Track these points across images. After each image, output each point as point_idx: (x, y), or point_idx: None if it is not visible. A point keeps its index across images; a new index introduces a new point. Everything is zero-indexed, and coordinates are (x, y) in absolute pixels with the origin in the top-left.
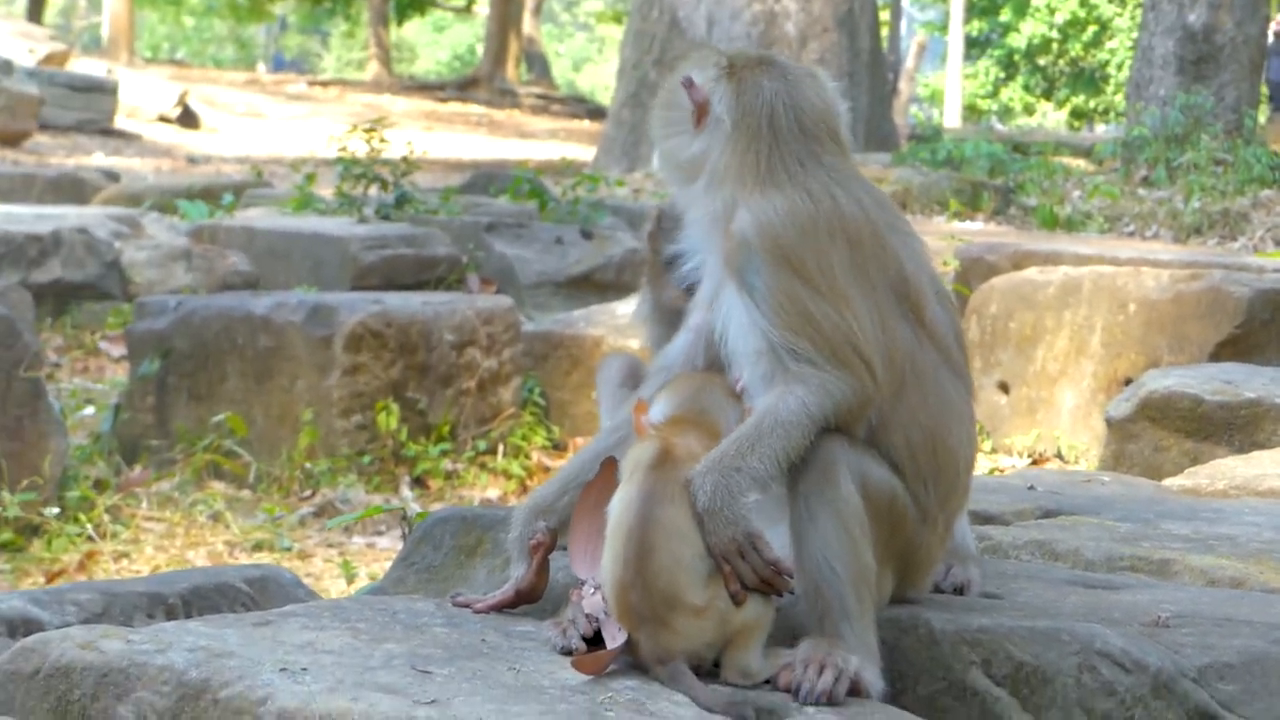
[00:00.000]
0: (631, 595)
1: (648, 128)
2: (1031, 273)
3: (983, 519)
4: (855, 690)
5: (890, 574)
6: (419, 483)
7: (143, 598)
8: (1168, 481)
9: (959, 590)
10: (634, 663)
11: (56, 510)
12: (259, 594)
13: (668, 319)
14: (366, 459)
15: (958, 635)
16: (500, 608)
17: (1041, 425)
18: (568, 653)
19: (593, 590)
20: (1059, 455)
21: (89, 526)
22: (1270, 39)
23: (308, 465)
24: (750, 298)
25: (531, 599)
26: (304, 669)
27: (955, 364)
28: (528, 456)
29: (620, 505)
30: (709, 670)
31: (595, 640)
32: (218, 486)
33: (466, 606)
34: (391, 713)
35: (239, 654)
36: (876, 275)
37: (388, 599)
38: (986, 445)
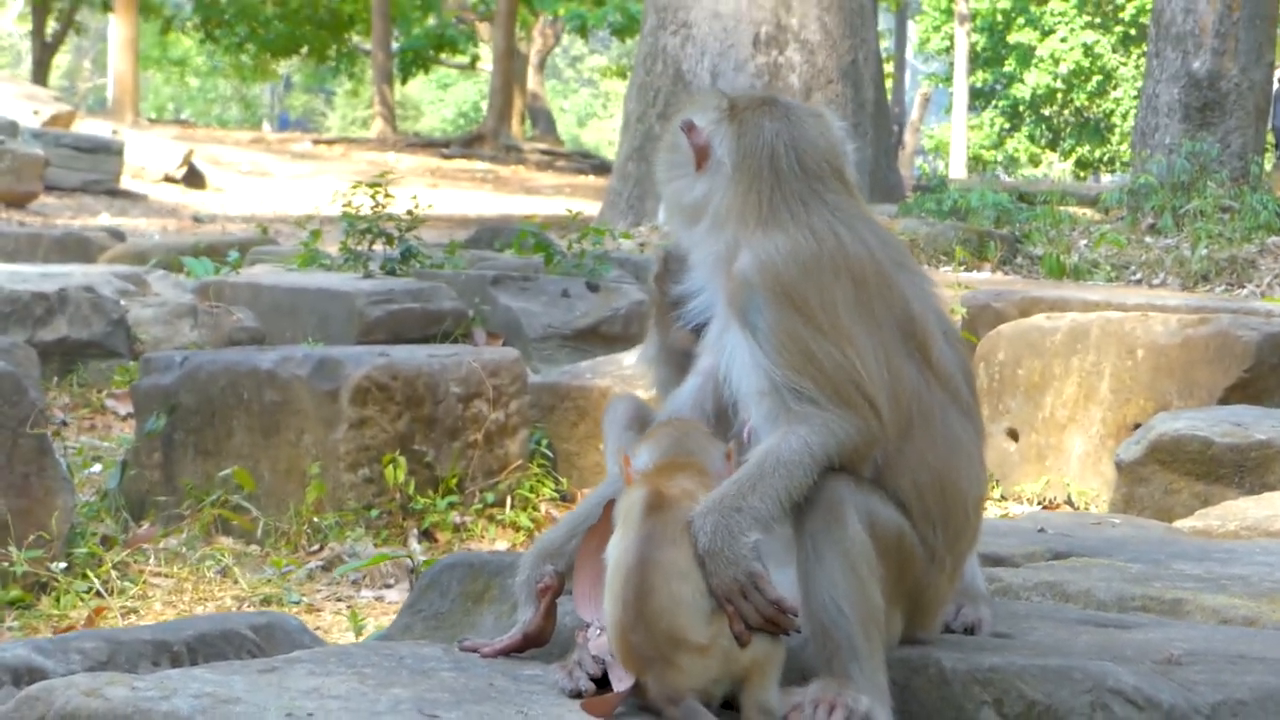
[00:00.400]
0: (633, 637)
1: (653, 177)
2: (1039, 319)
3: (993, 561)
4: None
5: (899, 614)
6: (427, 535)
7: (148, 645)
8: (1179, 523)
9: (969, 630)
10: (644, 705)
11: (64, 566)
12: (265, 641)
13: (674, 361)
14: (374, 512)
15: (969, 674)
16: (508, 652)
17: (1051, 472)
18: (576, 695)
19: (599, 632)
20: (1069, 502)
21: (97, 582)
22: (1276, 86)
23: (315, 519)
24: (753, 337)
25: (539, 643)
26: (310, 714)
27: (963, 403)
28: (536, 508)
29: (618, 549)
30: (719, 710)
31: (603, 682)
32: (225, 541)
33: (474, 651)
34: None
35: (245, 700)
36: (882, 314)
37: (394, 644)
38: (996, 493)
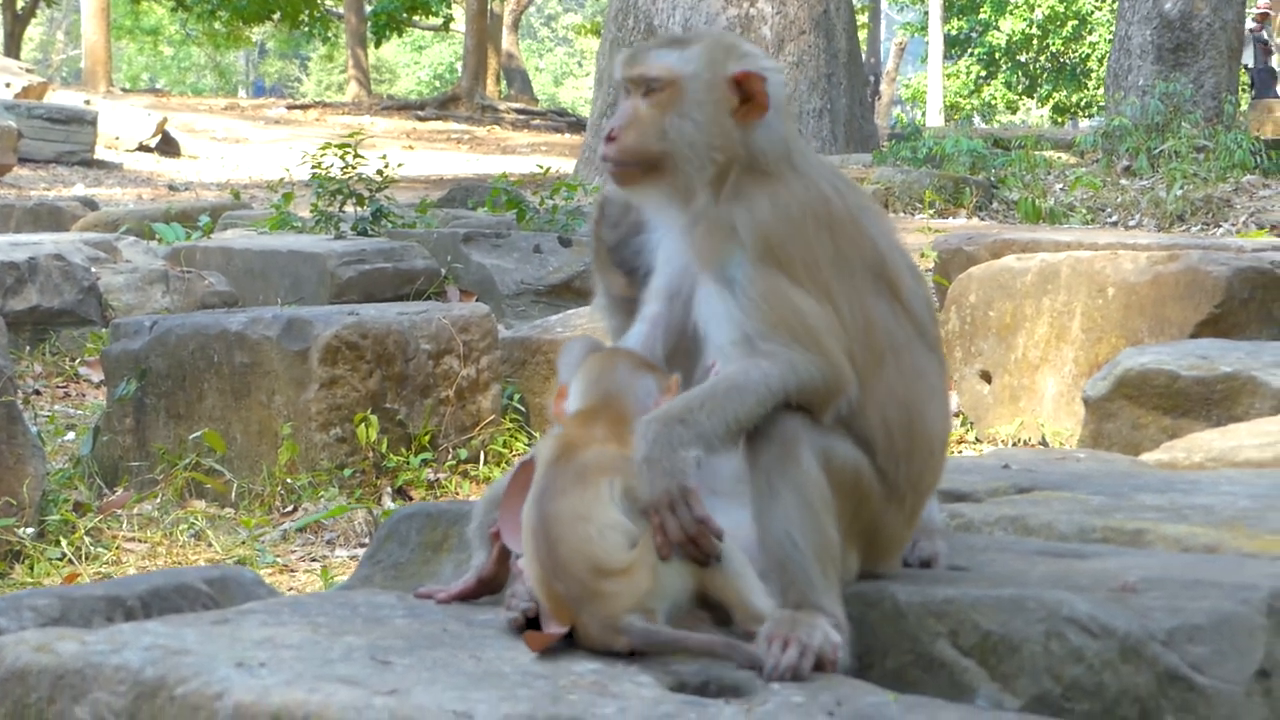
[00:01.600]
0: (557, 586)
1: None
2: (1009, 260)
3: (955, 497)
4: (821, 665)
5: (855, 551)
6: (401, 493)
7: (101, 601)
8: (1144, 456)
9: (926, 564)
10: (591, 648)
11: (36, 533)
12: (220, 594)
13: (622, 308)
14: (347, 472)
15: (923, 607)
16: (463, 598)
17: (1025, 413)
18: (521, 625)
19: None
20: (1043, 442)
21: (70, 550)
22: (1249, 26)
23: (288, 480)
24: (730, 291)
25: (494, 588)
26: (262, 664)
27: (930, 338)
28: (509, 464)
29: (526, 507)
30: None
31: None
32: (199, 505)
33: (429, 598)
34: (350, 703)
35: (196, 651)
36: (855, 258)
37: (349, 593)
38: (971, 435)
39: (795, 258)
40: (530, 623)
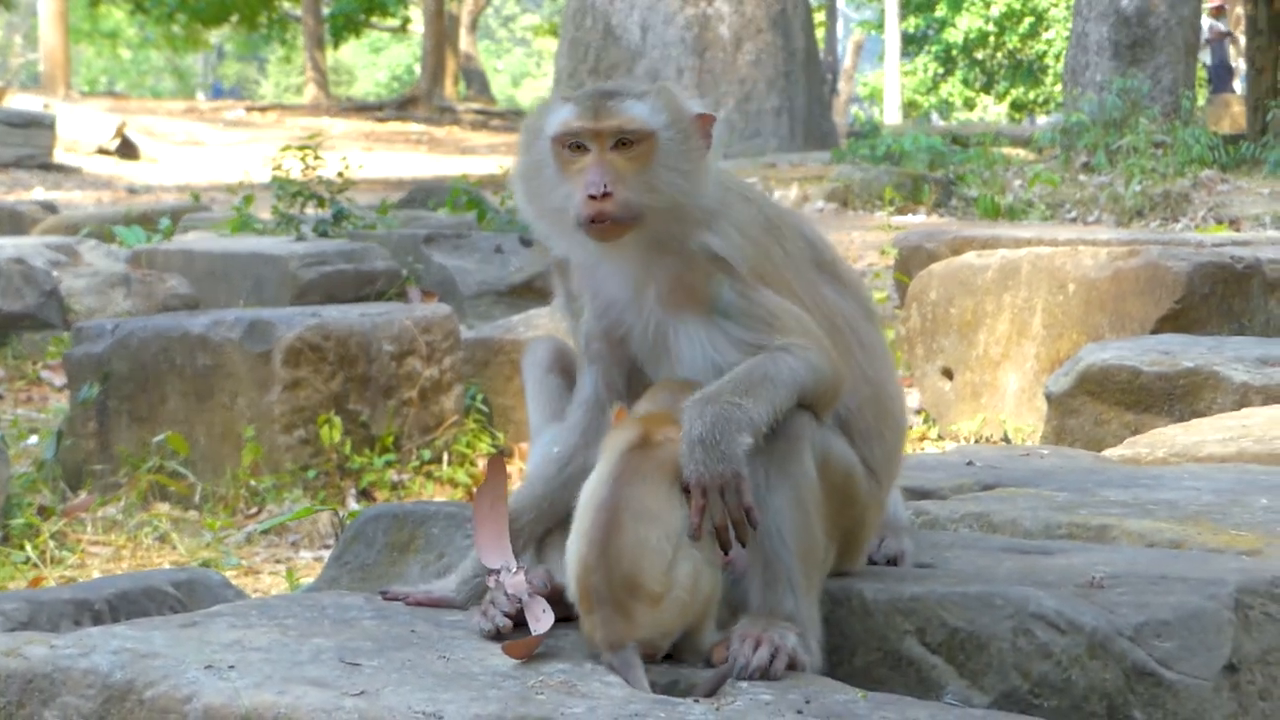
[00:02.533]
0: (594, 577)
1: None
2: (969, 257)
3: (920, 494)
4: (792, 665)
5: (832, 549)
6: (365, 495)
7: (69, 605)
8: (1107, 452)
9: (892, 561)
10: (586, 644)
11: (0, 537)
12: (187, 596)
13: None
14: (311, 473)
15: (891, 605)
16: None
17: (987, 409)
18: (495, 636)
19: (511, 572)
20: (1005, 438)
21: (34, 553)
22: (1205, 32)
23: (252, 482)
24: (725, 319)
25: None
26: (231, 666)
27: (873, 314)
28: (473, 464)
29: (591, 485)
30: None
31: (521, 622)
32: (163, 508)
33: (398, 600)
34: (319, 705)
35: (164, 654)
36: (799, 255)
37: (316, 595)
38: (933, 432)
39: (769, 272)
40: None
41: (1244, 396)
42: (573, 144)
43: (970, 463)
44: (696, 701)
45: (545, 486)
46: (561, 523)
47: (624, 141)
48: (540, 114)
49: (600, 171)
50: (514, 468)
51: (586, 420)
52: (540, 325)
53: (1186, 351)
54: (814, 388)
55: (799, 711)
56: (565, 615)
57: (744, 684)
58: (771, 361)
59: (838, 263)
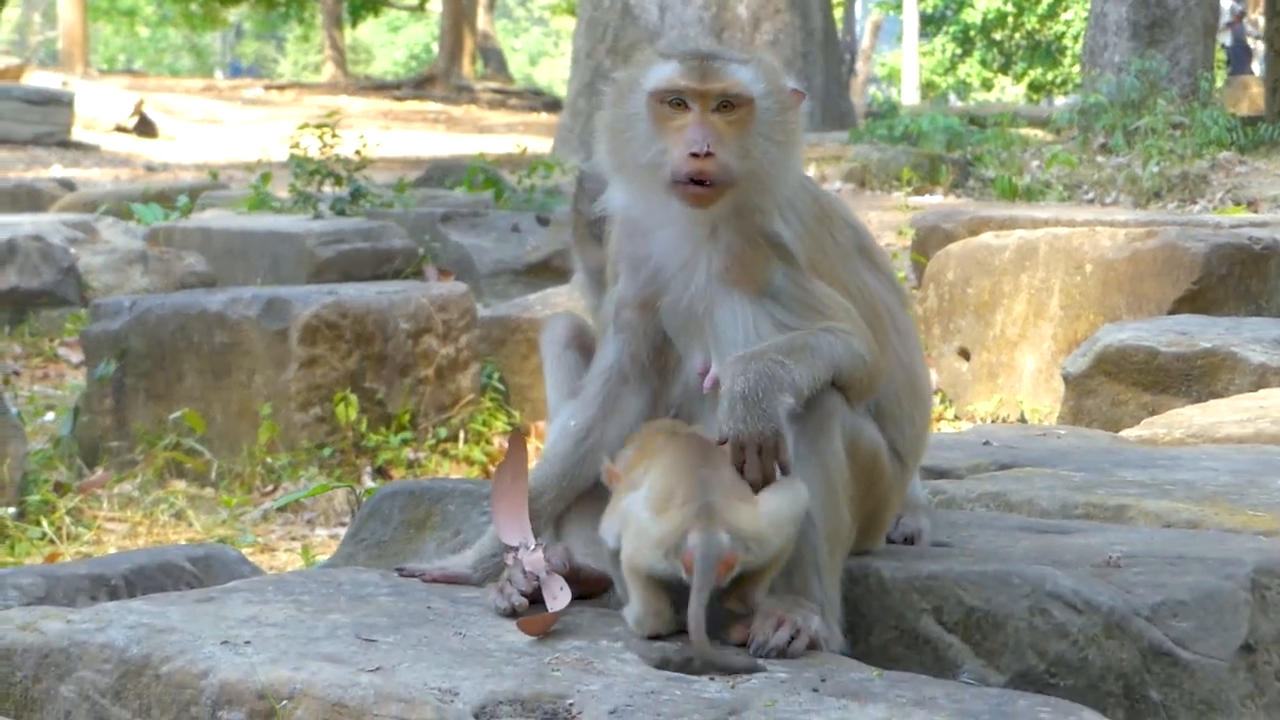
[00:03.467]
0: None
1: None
2: (987, 237)
3: (937, 474)
4: (812, 646)
5: (855, 529)
6: (381, 473)
7: (85, 580)
8: (1125, 433)
9: (909, 540)
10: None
11: (15, 512)
12: (203, 572)
13: (602, 282)
14: (327, 451)
15: (907, 583)
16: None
17: (1003, 390)
18: (511, 614)
19: (530, 548)
20: (1022, 419)
21: (50, 529)
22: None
23: (268, 460)
24: (775, 303)
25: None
26: (247, 642)
27: (904, 297)
28: (489, 442)
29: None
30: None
31: (537, 600)
32: (179, 485)
33: (414, 577)
34: (335, 681)
35: (181, 629)
36: (845, 241)
37: (333, 571)
38: (950, 413)
39: (821, 262)
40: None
41: (1262, 377)
42: (673, 101)
43: (987, 443)
44: (711, 679)
45: (563, 464)
46: (579, 499)
47: (726, 104)
48: (638, 67)
49: (704, 131)
50: (532, 446)
51: (605, 392)
52: (557, 304)
53: (1204, 332)
54: (851, 371)
55: (814, 690)
56: (582, 593)
57: (760, 661)
58: (814, 335)
59: (874, 248)
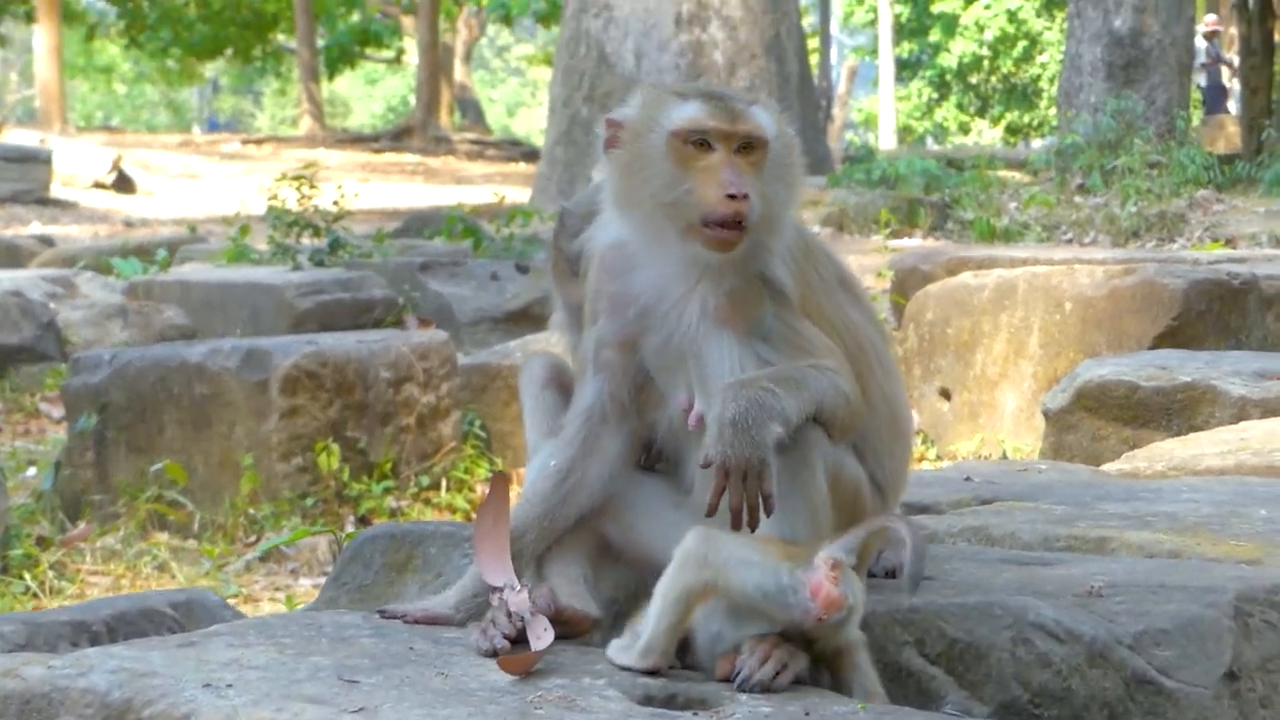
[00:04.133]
0: None
1: (585, 163)
2: (966, 277)
3: (918, 509)
4: (798, 681)
5: None
6: (363, 522)
7: (66, 626)
8: (1106, 466)
9: (891, 574)
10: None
11: None
12: (185, 617)
13: (580, 321)
14: (310, 501)
15: (889, 616)
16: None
17: (985, 429)
18: (493, 654)
19: (515, 589)
20: (1004, 458)
21: (34, 583)
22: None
23: (250, 510)
24: (762, 341)
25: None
26: (229, 685)
27: (886, 333)
28: (472, 490)
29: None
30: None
31: (520, 640)
32: (162, 537)
33: (396, 618)
34: None
35: (162, 674)
36: (829, 276)
37: (314, 614)
38: (931, 453)
39: (808, 298)
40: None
41: (1242, 410)
42: (698, 141)
43: (968, 478)
44: (695, 715)
45: (544, 504)
46: (561, 539)
47: (746, 146)
48: (653, 107)
49: (734, 173)
50: (514, 491)
51: (586, 431)
52: (538, 350)
53: (1184, 366)
54: (834, 408)
55: None
56: (565, 634)
57: (743, 696)
58: (801, 370)
59: (854, 281)
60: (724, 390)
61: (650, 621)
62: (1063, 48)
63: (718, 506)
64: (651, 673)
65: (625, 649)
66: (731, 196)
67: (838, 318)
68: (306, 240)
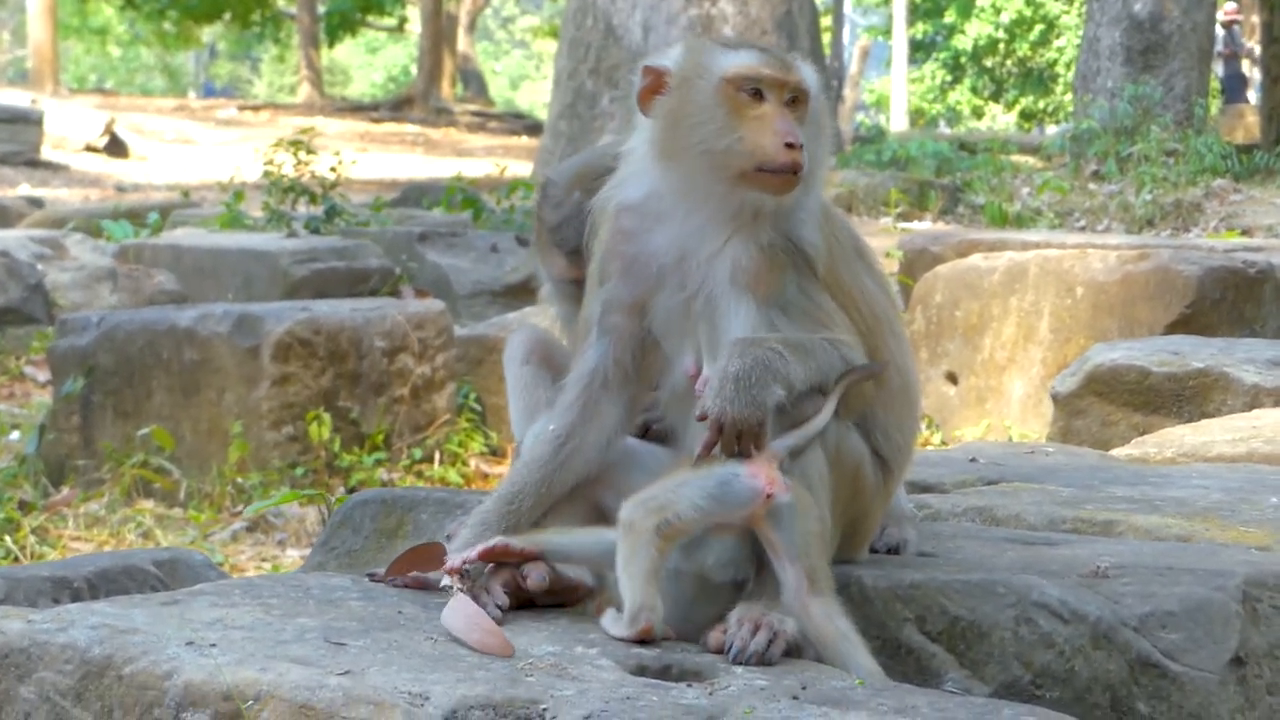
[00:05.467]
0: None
1: (587, 135)
2: (976, 259)
3: (922, 488)
4: (790, 651)
5: (837, 536)
6: (354, 493)
7: (47, 582)
8: (1114, 451)
9: (894, 550)
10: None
11: None
12: (168, 576)
13: (567, 292)
14: (299, 471)
15: (890, 591)
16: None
17: (991, 415)
18: None
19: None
20: (1011, 442)
21: (15, 548)
22: (1219, 44)
23: (239, 479)
24: (780, 311)
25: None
26: (212, 644)
27: (896, 300)
28: (465, 463)
29: None
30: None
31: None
32: (147, 504)
33: (386, 582)
34: (302, 683)
35: (144, 631)
36: (847, 245)
37: (301, 576)
38: (936, 438)
39: (831, 267)
40: None
41: (1255, 398)
42: (751, 89)
43: (974, 459)
44: (689, 686)
45: (542, 469)
46: (557, 505)
47: (794, 99)
48: (701, 54)
49: (788, 122)
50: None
51: (586, 397)
52: (523, 325)
53: (1196, 352)
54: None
55: (794, 697)
56: (559, 601)
57: (738, 669)
58: (815, 341)
59: (868, 249)
60: (732, 345)
61: (625, 589)
62: (1080, 32)
63: (706, 458)
64: (646, 640)
65: (616, 620)
66: (789, 145)
67: (854, 286)
68: (302, 207)
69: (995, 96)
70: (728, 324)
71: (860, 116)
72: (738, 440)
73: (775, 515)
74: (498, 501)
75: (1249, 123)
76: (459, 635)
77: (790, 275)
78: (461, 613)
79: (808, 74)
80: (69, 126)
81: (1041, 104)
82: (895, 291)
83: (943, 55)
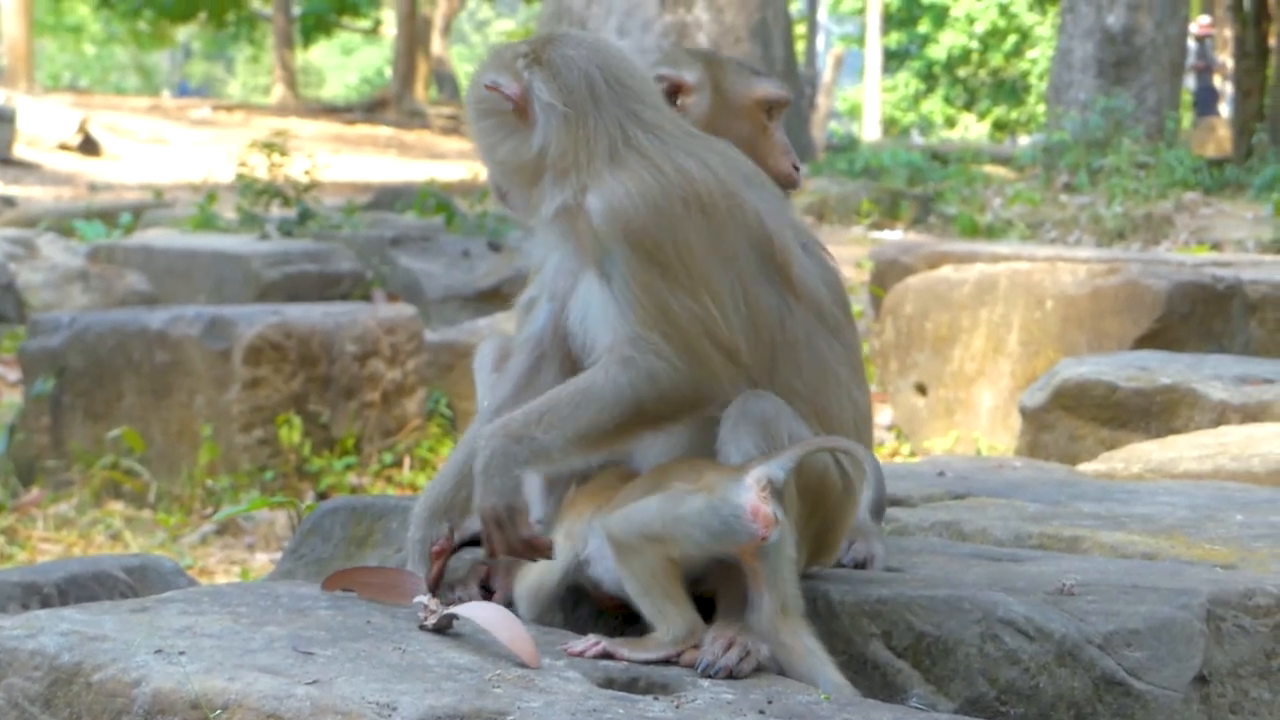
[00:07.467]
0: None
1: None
2: (946, 271)
3: (890, 502)
4: (760, 668)
5: (803, 551)
6: (323, 498)
7: (16, 588)
8: (1082, 466)
9: (861, 565)
10: None
11: None
12: (138, 582)
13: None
14: (269, 474)
15: (856, 607)
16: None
17: (960, 427)
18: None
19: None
20: (978, 455)
21: None
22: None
23: (208, 482)
24: (609, 288)
25: None
26: (181, 652)
27: (830, 321)
28: (435, 469)
29: None
30: None
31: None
32: (117, 506)
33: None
34: (271, 692)
35: (114, 638)
36: (736, 240)
37: (270, 584)
38: (905, 449)
39: (667, 250)
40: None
41: (1222, 415)
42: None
43: (941, 473)
44: (655, 699)
45: (464, 448)
46: None
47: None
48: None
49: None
50: None
51: (525, 365)
52: (506, 330)
53: (1165, 368)
54: (655, 403)
55: (760, 711)
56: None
57: (705, 682)
58: (590, 381)
59: (792, 261)
60: (480, 437)
61: (655, 618)
62: (1054, 43)
63: (493, 556)
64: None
65: (641, 647)
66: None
67: (731, 292)
68: (275, 210)
69: (968, 106)
70: (589, 308)
71: (833, 125)
72: (499, 529)
73: (763, 550)
74: (441, 483)
75: (1220, 136)
76: (490, 628)
77: (608, 247)
78: (494, 609)
79: None
80: (42, 125)
81: (1014, 115)
82: (822, 303)
83: (916, 65)
